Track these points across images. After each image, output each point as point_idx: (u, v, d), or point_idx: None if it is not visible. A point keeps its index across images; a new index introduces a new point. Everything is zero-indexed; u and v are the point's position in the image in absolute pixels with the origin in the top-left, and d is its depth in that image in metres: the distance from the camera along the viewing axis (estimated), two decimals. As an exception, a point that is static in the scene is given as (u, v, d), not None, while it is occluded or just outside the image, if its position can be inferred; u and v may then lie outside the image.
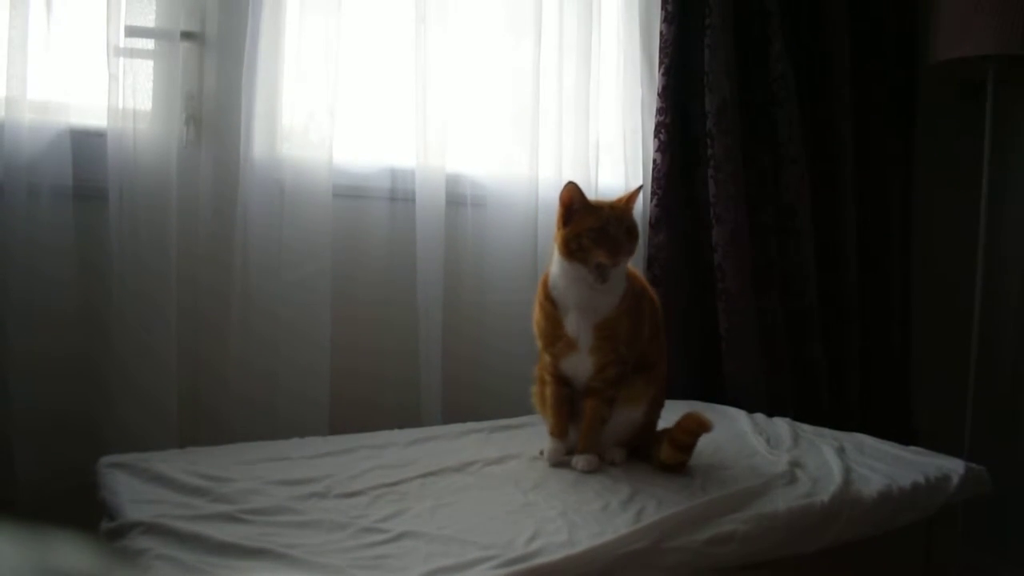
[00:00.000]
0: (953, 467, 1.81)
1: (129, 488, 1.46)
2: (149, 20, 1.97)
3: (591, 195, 2.38)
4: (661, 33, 2.62)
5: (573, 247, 1.64)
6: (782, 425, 2.14)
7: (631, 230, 1.67)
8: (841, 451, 1.89)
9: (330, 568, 1.18)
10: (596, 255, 1.62)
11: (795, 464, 1.77)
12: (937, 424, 3.12)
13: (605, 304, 1.69)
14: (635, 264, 1.74)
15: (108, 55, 1.89)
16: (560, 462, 1.72)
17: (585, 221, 1.64)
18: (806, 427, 2.15)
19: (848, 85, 2.84)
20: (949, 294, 3.10)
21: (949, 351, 3.07)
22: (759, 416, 2.25)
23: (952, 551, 1.90)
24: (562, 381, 1.76)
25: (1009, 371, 2.94)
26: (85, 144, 1.94)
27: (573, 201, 1.66)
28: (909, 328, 3.08)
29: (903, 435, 2.87)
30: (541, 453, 1.78)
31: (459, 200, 2.39)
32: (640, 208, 2.64)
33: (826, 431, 2.11)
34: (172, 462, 1.59)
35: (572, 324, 1.69)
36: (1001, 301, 2.95)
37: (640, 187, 1.81)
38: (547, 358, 1.76)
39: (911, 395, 3.11)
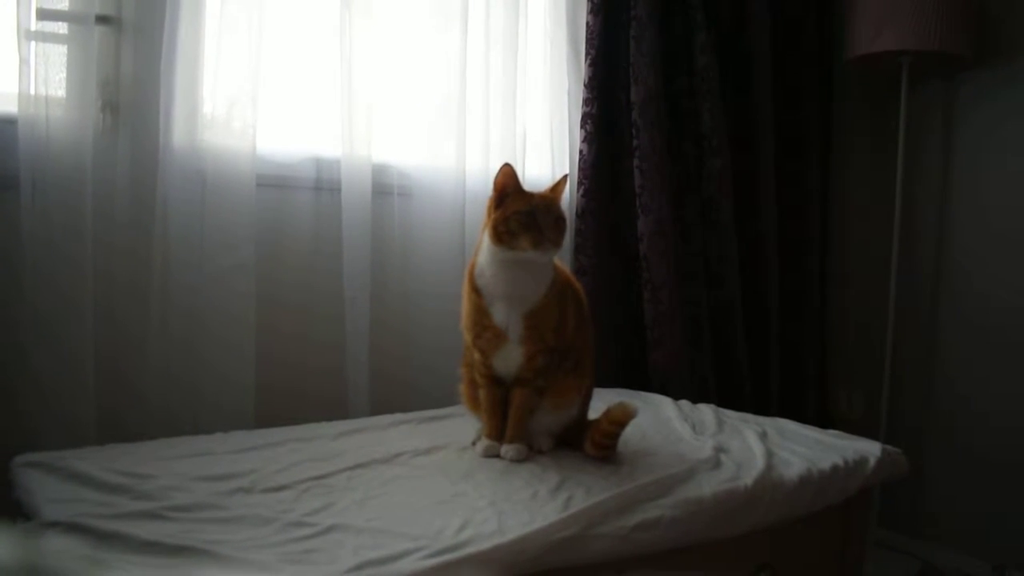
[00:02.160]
0: (870, 450, 1.87)
1: (46, 487, 1.41)
2: (62, 3, 1.89)
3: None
4: (587, 24, 2.64)
5: (502, 230, 1.64)
6: (707, 411, 2.18)
7: (559, 220, 1.67)
8: (764, 436, 1.93)
9: (257, 564, 1.16)
10: (523, 240, 1.62)
11: (720, 449, 1.80)
12: (855, 407, 3.22)
13: (534, 293, 1.69)
14: (562, 254, 1.74)
15: (19, 39, 1.81)
16: (491, 454, 1.73)
17: (515, 204, 1.64)
18: (730, 413, 2.19)
19: (769, 79, 2.90)
20: (865, 282, 3.20)
21: (866, 337, 3.17)
22: (684, 403, 2.28)
23: (867, 530, 1.96)
24: (494, 381, 1.75)
25: (924, 356, 3.05)
26: (-6, 132, 1.86)
27: (507, 185, 1.66)
28: (827, 315, 3.17)
29: (822, 419, 2.97)
30: (474, 444, 1.78)
31: (385, 190, 2.37)
32: (567, 198, 2.66)
33: (749, 416, 2.16)
34: (90, 460, 1.54)
35: (500, 314, 1.69)
36: (915, 289, 3.05)
37: (566, 175, 1.82)
38: (476, 355, 1.75)
39: (829, 381, 3.20)
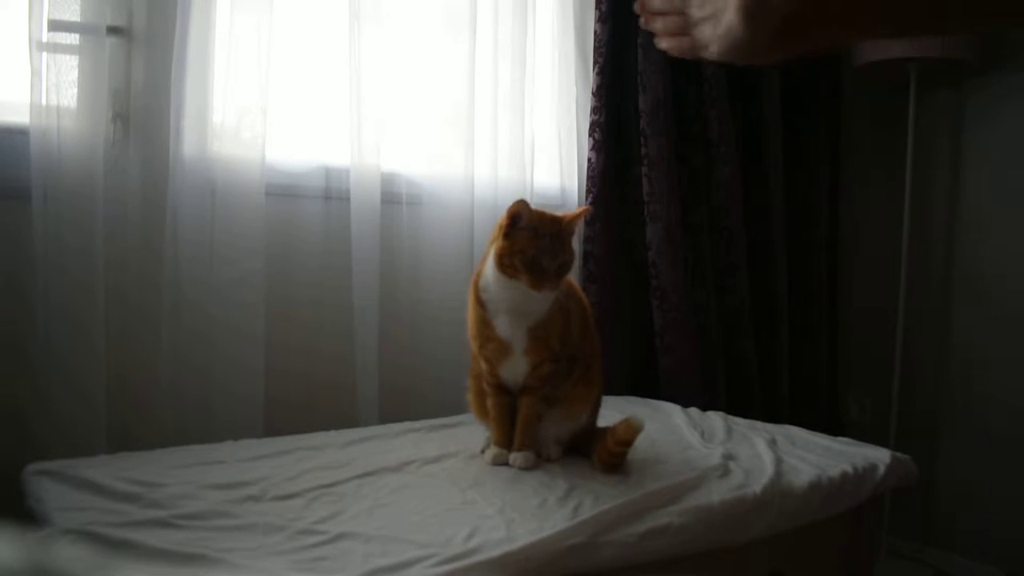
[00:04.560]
0: (880, 457, 1.87)
1: (57, 495, 1.42)
2: (74, 14, 1.90)
3: (525, 194, 2.40)
4: (595, 32, 2.65)
5: (505, 262, 1.63)
6: (716, 419, 2.18)
7: (564, 266, 1.65)
8: (773, 443, 1.93)
9: (267, 571, 1.16)
10: (523, 278, 1.62)
11: (728, 457, 1.80)
12: (864, 415, 3.21)
13: (538, 310, 1.68)
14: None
15: (30, 50, 1.82)
16: (500, 462, 1.73)
17: (522, 243, 1.62)
18: (739, 420, 2.19)
19: (778, 85, 2.90)
20: (875, 288, 3.19)
21: (876, 343, 3.16)
22: (693, 411, 2.28)
23: (878, 537, 1.96)
24: (502, 390, 1.76)
25: (934, 361, 3.04)
26: (7, 142, 1.87)
27: (520, 217, 1.64)
28: (836, 323, 3.16)
29: (832, 426, 2.96)
30: (482, 452, 1.79)
31: (394, 199, 2.37)
32: (575, 201, 2.67)
33: (759, 424, 2.16)
34: (101, 468, 1.55)
35: (504, 327, 1.69)
36: (925, 295, 3.05)
37: (587, 209, 1.81)
38: (483, 364, 1.76)
39: (839, 387, 3.20)
